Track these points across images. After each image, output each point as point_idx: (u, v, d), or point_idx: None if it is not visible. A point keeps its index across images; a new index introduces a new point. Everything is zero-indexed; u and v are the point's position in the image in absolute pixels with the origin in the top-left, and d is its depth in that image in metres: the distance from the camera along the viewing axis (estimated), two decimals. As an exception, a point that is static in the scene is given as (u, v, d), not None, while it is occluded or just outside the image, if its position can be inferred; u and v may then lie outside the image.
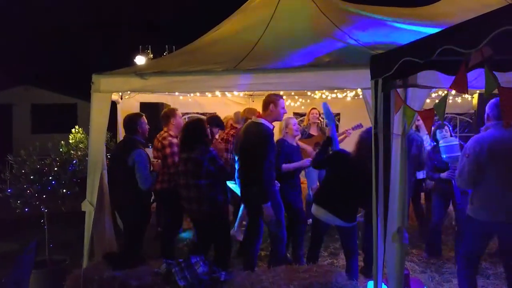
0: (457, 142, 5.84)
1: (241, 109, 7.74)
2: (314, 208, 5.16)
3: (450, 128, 6.29)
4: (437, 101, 2.99)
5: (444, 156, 5.85)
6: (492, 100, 4.47)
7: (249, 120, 5.50)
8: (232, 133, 7.16)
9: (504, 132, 4.26)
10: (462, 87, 2.52)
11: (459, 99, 9.40)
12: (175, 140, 5.96)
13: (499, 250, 4.66)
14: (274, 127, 5.36)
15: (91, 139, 5.34)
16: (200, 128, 5.27)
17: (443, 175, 5.98)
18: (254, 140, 5.12)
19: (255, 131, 5.18)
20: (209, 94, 8.37)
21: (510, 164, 4.20)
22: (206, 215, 5.11)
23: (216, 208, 5.12)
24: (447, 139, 5.89)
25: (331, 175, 5.19)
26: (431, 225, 6.42)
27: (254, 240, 5.42)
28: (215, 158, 5.05)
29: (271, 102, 5.24)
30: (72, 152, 6.53)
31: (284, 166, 5.87)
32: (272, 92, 5.40)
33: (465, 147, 4.49)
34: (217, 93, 8.10)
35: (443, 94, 2.96)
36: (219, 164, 5.06)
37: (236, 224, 7.20)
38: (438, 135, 6.05)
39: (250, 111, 6.91)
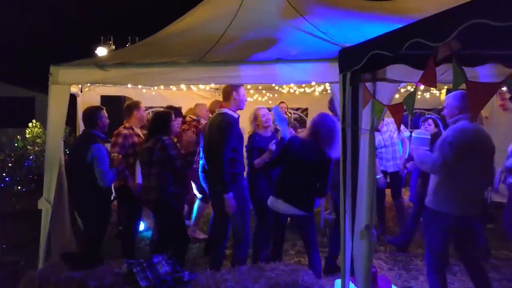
0: (429, 137, 5.93)
1: (206, 103, 7.70)
2: (272, 200, 5.13)
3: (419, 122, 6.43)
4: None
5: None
6: (457, 92, 4.48)
7: (214, 113, 5.49)
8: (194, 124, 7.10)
9: (473, 125, 4.32)
10: (430, 81, 2.55)
11: (427, 95, 9.56)
12: (125, 131, 5.84)
13: (456, 246, 4.73)
14: (239, 116, 5.35)
15: (49, 133, 5.22)
16: (161, 119, 5.35)
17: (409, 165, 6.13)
18: (216, 130, 5.10)
19: (218, 121, 5.17)
20: (173, 88, 8.29)
21: (481, 158, 4.27)
22: (153, 204, 5.22)
23: (163, 197, 5.14)
24: (419, 130, 5.99)
25: (285, 167, 5.19)
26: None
27: (221, 239, 5.39)
28: (166, 147, 5.09)
29: (233, 90, 5.24)
30: (29, 147, 6.41)
31: (256, 161, 5.78)
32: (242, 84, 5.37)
33: (445, 135, 4.46)
34: (182, 86, 8.03)
35: (412, 89, 3.00)
36: (169, 153, 5.09)
37: (192, 221, 7.15)
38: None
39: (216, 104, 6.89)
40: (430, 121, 6.26)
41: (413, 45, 2.49)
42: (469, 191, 4.30)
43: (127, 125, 5.95)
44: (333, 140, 4.91)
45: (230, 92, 5.25)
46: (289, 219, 5.38)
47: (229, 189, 4.98)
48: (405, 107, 3.01)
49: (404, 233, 6.74)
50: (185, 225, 5.61)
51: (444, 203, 4.39)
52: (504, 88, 7.65)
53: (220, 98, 8.97)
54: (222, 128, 5.05)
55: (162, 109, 6.84)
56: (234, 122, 5.14)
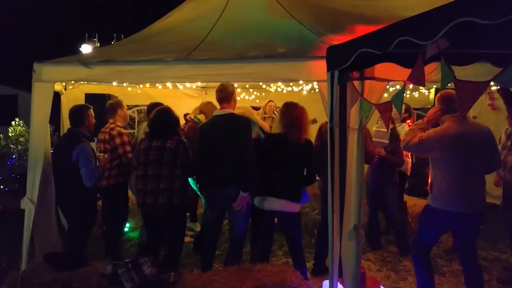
0: (387, 131, 6.01)
1: (193, 101, 7.67)
2: (259, 200, 5.12)
3: None
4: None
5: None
6: (442, 93, 4.59)
7: (215, 115, 5.27)
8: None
9: (460, 125, 4.36)
10: (419, 80, 2.57)
11: (416, 94, 9.61)
12: (124, 130, 5.85)
13: (455, 243, 4.82)
14: None
15: (32, 132, 5.19)
16: (173, 115, 5.21)
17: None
18: (239, 129, 4.99)
19: (238, 120, 5.07)
20: (159, 86, 8.26)
21: (471, 157, 4.29)
22: (174, 207, 4.97)
23: (184, 200, 5.10)
24: (380, 125, 6.08)
25: (266, 165, 5.15)
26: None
27: (215, 239, 5.38)
28: (188, 149, 5.01)
29: (233, 92, 5.19)
30: (12, 146, 6.33)
31: None
32: (227, 82, 5.27)
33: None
34: (168, 84, 8.01)
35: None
36: (190, 156, 5.02)
37: None
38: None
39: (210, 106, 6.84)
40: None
41: (401, 43, 2.51)
42: (461, 188, 4.33)
43: (118, 124, 5.92)
44: (299, 126, 5.03)
45: (231, 94, 5.16)
46: (276, 219, 5.37)
47: (250, 187, 5.00)
48: (393, 106, 3.03)
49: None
50: (185, 226, 5.58)
51: (438, 200, 4.46)
52: (494, 88, 7.71)
53: (208, 97, 9.01)
54: (245, 128, 5.00)
55: (145, 107, 6.80)
56: (250, 123, 5.11)
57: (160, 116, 5.17)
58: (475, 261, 4.60)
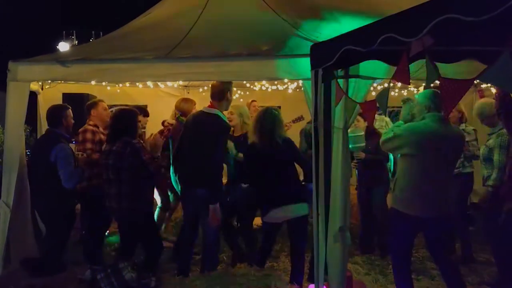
0: (362, 133, 6.02)
1: (175, 101, 7.61)
2: (271, 214, 4.90)
3: None
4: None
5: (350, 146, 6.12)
6: (427, 91, 4.57)
7: (200, 111, 5.25)
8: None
9: (440, 125, 4.36)
10: (404, 78, 2.59)
11: (405, 92, 9.64)
12: (90, 128, 5.77)
13: (427, 246, 4.84)
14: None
15: (7, 133, 5.18)
16: (126, 118, 5.07)
17: None
18: (212, 133, 4.91)
19: (214, 123, 4.96)
20: (140, 85, 8.21)
21: (444, 159, 4.31)
22: (126, 212, 4.92)
23: (138, 205, 4.95)
24: (354, 129, 6.08)
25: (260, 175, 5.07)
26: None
27: (190, 243, 5.36)
28: (138, 152, 4.87)
29: (228, 90, 5.08)
30: (-14, 148, 6.26)
31: None
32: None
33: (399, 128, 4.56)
34: (149, 83, 7.97)
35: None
36: (142, 159, 4.88)
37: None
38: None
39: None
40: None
41: (386, 41, 2.53)
42: (429, 190, 4.32)
43: (91, 123, 5.88)
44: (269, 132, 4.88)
45: (226, 91, 5.07)
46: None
47: (217, 199, 4.83)
48: (378, 105, 3.06)
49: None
50: (158, 229, 5.56)
51: (404, 203, 4.44)
52: (484, 85, 7.78)
53: (190, 96, 8.97)
54: (219, 133, 4.93)
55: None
56: (229, 129, 5.07)
57: (113, 118, 5.15)
58: (447, 261, 4.62)
